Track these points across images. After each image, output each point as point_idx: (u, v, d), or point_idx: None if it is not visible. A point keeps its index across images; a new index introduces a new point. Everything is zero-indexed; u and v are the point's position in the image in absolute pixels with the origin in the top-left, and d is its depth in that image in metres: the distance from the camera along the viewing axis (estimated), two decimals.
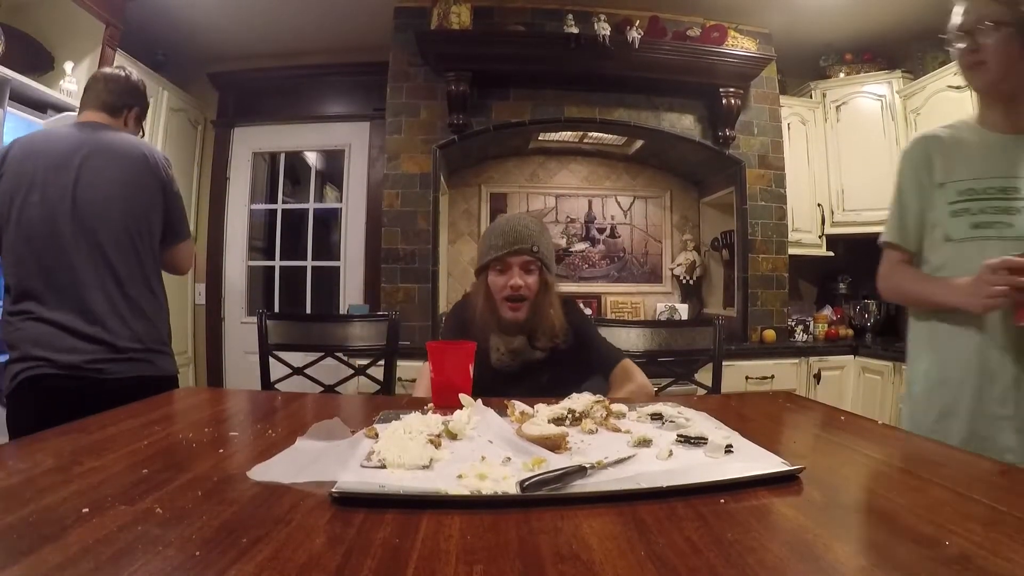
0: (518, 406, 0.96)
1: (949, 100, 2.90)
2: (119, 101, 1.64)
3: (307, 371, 1.87)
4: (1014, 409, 1.13)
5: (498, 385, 1.28)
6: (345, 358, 1.94)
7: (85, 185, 1.47)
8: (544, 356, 1.42)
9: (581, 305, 1.79)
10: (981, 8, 1.17)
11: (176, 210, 1.65)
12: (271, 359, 1.85)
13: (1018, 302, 1.05)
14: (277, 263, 3.70)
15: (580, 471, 0.68)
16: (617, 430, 0.91)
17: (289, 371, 1.86)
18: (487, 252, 1.39)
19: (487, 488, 0.65)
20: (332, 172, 4.17)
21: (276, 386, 1.87)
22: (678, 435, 0.85)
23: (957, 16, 1.22)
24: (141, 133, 1.76)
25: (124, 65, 1.80)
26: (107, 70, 1.69)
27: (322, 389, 1.85)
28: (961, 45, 1.20)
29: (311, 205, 3.82)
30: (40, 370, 1.38)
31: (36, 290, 1.42)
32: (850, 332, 3.44)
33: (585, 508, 0.62)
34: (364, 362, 1.94)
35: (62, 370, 1.38)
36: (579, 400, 1.00)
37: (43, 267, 1.43)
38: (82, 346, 1.40)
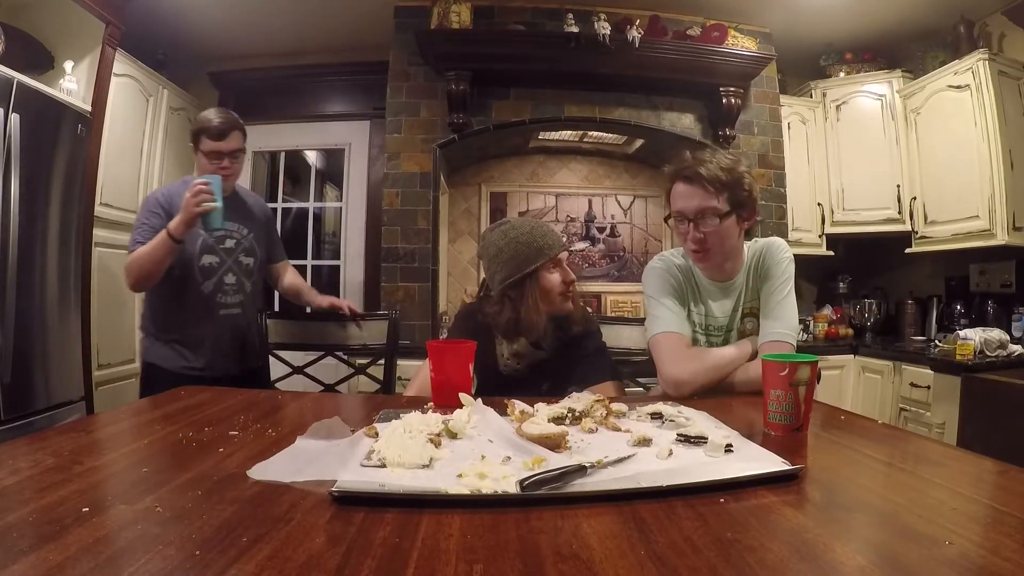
0: (518, 405, 0.96)
1: (949, 100, 2.90)
2: None
3: (306, 370, 1.87)
4: None
5: (503, 390, 1.28)
6: (345, 357, 1.94)
7: None
8: (547, 355, 1.43)
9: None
10: (699, 198, 1.29)
11: None
12: (271, 358, 1.85)
13: None
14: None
15: (580, 470, 0.68)
16: (617, 429, 0.91)
17: (289, 370, 1.86)
18: (539, 254, 1.38)
19: (487, 487, 0.65)
20: (332, 171, 4.17)
21: (276, 385, 1.87)
22: (678, 434, 0.85)
23: (679, 198, 1.33)
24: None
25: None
26: None
27: (322, 388, 1.86)
28: (684, 228, 1.33)
29: (311, 204, 3.82)
30: None
31: None
32: (850, 331, 3.44)
33: (585, 507, 0.62)
34: (364, 361, 1.93)
35: None
36: (579, 399, 1.00)
37: None
38: None
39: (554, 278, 1.40)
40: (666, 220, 1.42)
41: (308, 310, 2.20)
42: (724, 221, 1.29)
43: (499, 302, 1.40)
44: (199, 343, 1.79)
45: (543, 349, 1.43)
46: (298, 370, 1.86)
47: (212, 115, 1.80)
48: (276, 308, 3.62)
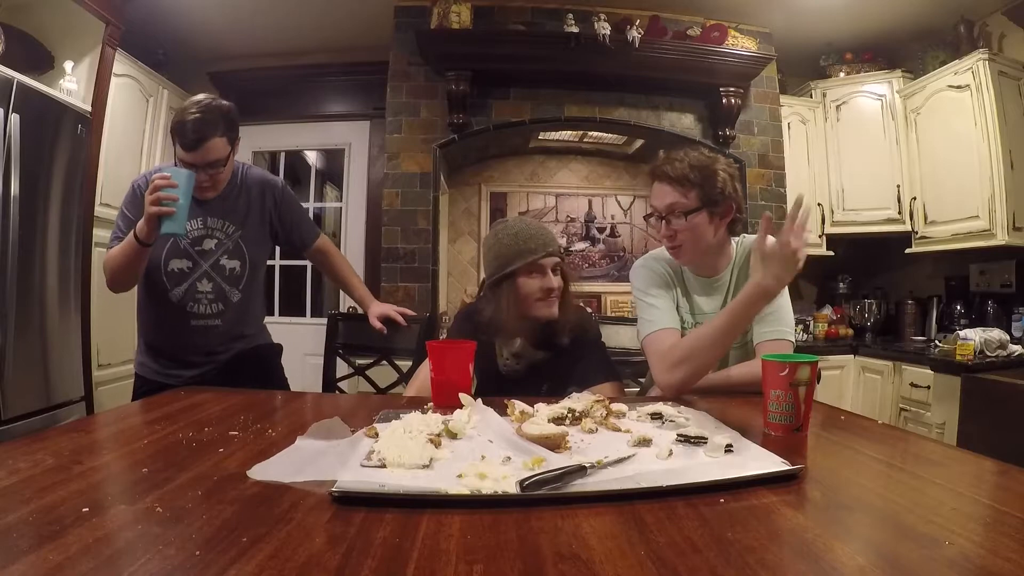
0: (518, 405, 0.96)
1: (949, 100, 2.90)
2: None
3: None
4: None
5: (503, 390, 1.28)
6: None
7: None
8: (546, 356, 1.43)
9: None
10: (669, 196, 1.33)
11: None
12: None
13: None
14: (277, 262, 3.69)
15: (580, 470, 0.68)
16: (617, 429, 0.91)
17: (350, 371, 1.86)
18: (518, 256, 1.37)
19: (487, 487, 0.65)
20: (332, 171, 4.17)
21: (339, 385, 1.87)
22: (678, 435, 0.85)
23: (653, 197, 1.38)
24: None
25: None
26: None
27: (375, 391, 1.83)
28: (657, 225, 1.38)
29: (311, 204, 3.82)
30: None
31: None
32: (850, 331, 3.44)
33: (585, 507, 0.62)
34: (408, 363, 1.89)
35: None
36: (579, 399, 1.00)
37: None
38: None
39: (532, 283, 1.37)
40: (646, 219, 1.46)
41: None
42: (694, 217, 1.31)
43: (484, 299, 1.42)
44: (178, 359, 1.59)
45: (542, 350, 1.43)
46: (359, 371, 1.85)
47: (187, 115, 1.43)
48: (276, 309, 3.64)
